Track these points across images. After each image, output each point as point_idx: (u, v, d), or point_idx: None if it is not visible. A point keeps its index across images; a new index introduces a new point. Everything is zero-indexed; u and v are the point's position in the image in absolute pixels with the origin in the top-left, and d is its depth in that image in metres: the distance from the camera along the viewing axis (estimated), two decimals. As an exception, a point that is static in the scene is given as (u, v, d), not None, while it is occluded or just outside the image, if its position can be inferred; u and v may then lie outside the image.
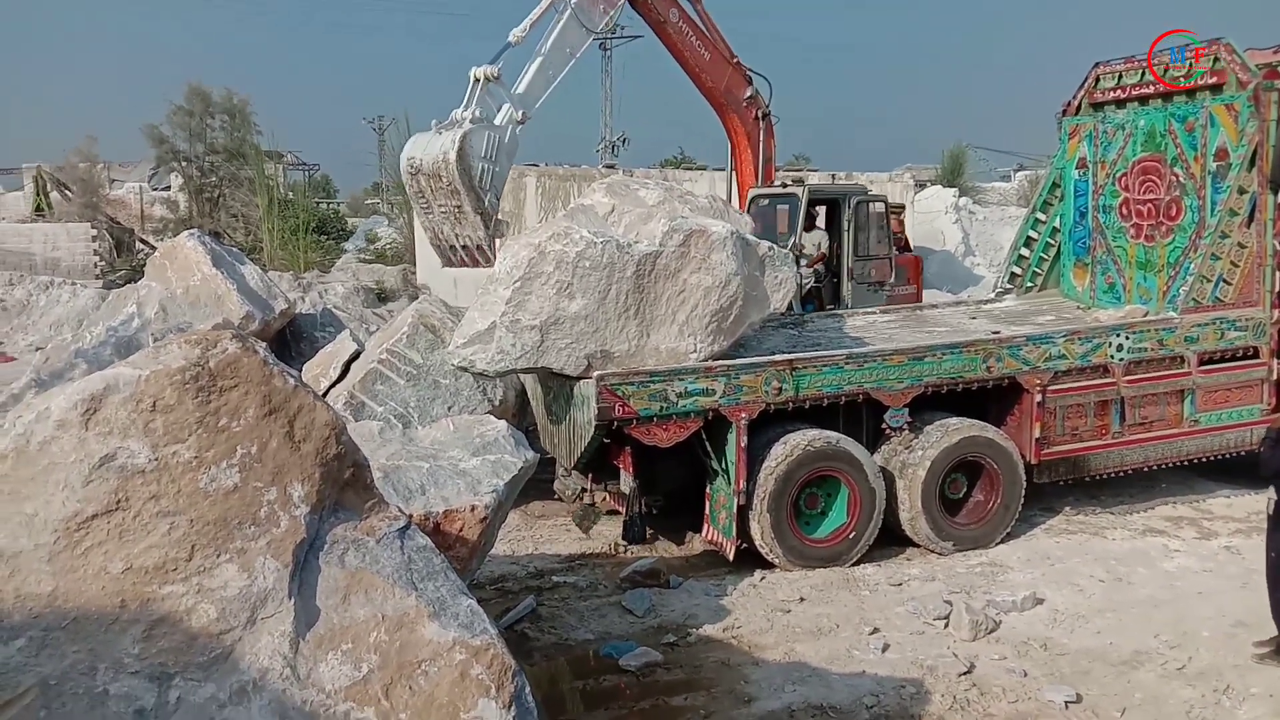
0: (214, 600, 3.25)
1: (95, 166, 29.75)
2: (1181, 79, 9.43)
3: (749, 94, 12.14)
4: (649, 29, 11.62)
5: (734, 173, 13.18)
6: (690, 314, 7.65)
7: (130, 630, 3.15)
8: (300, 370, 9.88)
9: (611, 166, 24.84)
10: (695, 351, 7.71)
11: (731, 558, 7.86)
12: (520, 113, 9.88)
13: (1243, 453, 9.32)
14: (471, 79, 9.83)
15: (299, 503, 3.36)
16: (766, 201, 13.62)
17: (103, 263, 24.56)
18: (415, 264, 22.34)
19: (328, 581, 3.36)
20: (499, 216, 9.77)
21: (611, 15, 10.70)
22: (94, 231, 25.16)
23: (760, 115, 12.33)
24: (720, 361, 7.86)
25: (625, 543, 8.41)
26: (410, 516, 3.81)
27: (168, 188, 32.52)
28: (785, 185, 13.94)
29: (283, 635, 3.24)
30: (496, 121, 9.88)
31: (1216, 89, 9.19)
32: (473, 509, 5.16)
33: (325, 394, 9.14)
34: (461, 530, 5.08)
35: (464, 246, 10.05)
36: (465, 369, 7.64)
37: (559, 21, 10.21)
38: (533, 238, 7.56)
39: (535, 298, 7.32)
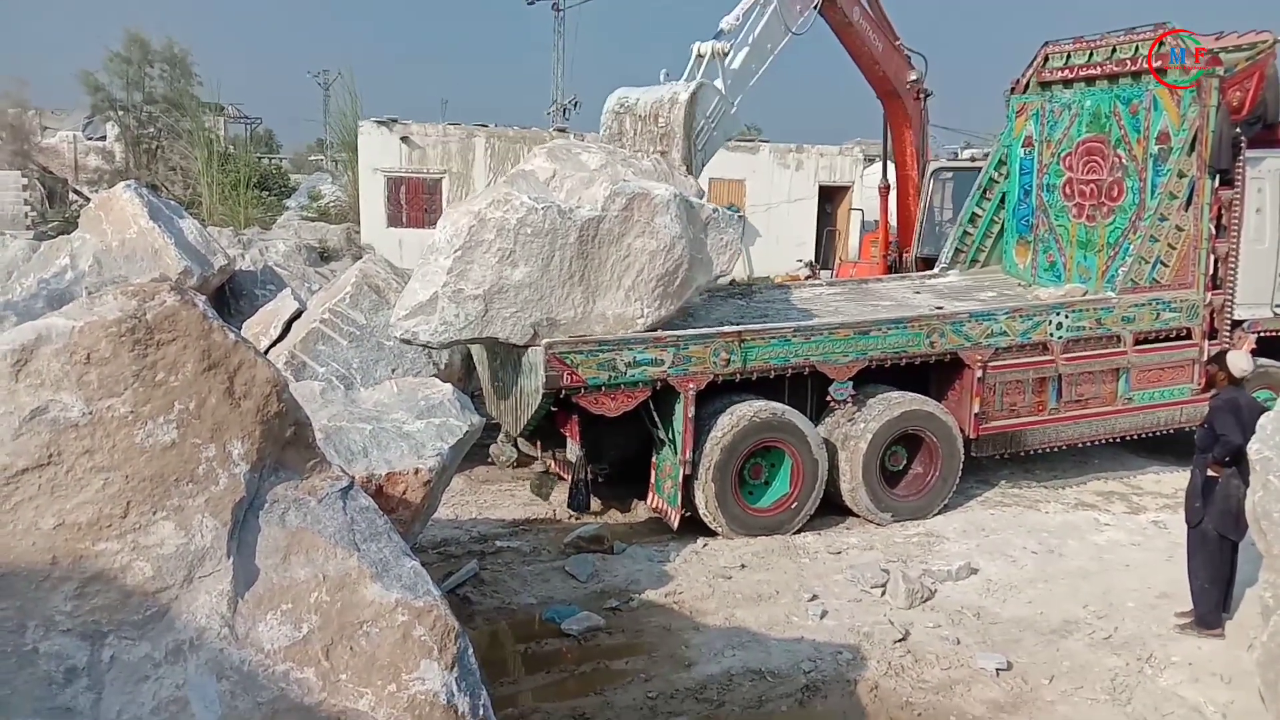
0: (150, 558, 3.18)
1: (26, 113, 28.75)
2: (1128, 61, 9.57)
3: (913, 77, 12.09)
4: (831, 31, 11.50)
5: (890, 157, 13.07)
6: (636, 279, 7.60)
7: (62, 588, 3.07)
8: (240, 328, 9.69)
9: (563, 130, 24.57)
10: (643, 316, 7.68)
11: (676, 526, 7.90)
12: (733, 111, 9.78)
13: (1172, 430, 9.58)
14: (695, 53, 9.62)
15: (238, 460, 3.29)
16: (950, 175, 13.74)
17: (34, 213, 23.79)
18: (359, 223, 21.99)
19: (268, 541, 3.31)
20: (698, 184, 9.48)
21: (808, 16, 10.54)
22: (24, 180, 24.34)
23: (923, 96, 12.27)
24: (669, 332, 7.85)
25: (571, 510, 8.42)
26: (353, 477, 3.76)
27: (103, 137, 31.54)
28: (972, 159, 14.08)
29: (220, 594, 3.18)
30: (721, 89, 9.63)
31: (1161, 72, 9.33)
32: (416, 472, 5.11)
33: (266, 353, 8.98)
34: (405, 493, 5.03)
35: None
36: (408, 341, 7.47)
37: (763, 17, 10.07)
38: (472, 205, 7.40)
39: (477, 266, 7.20)
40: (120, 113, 27.70)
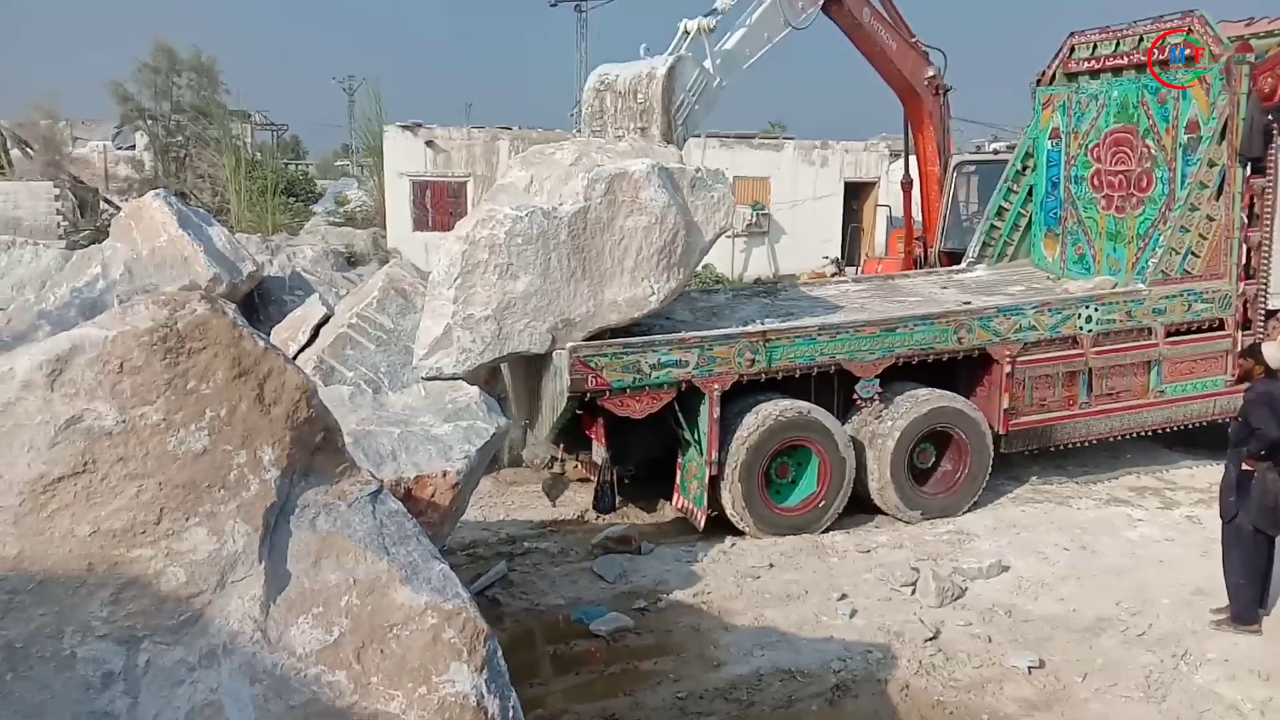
0: (183, 563, 3.22)
1: (57, 124, 29.15)
2: (1155, 50, 9.45)
3: (931, 73, 11.99)
4: (843, 33, 11.45)
5: (913, 154, 13.03)
6: (638, 258, 7.54)
7: (98, 593, 3.12)
8: (269, 334, 9.78)
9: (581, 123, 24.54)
10: (654, 294, 7.62)
11: (702, 527, 7.89)
12: (720, 79, 9.59)
13: (1206, 423, 9.46)
14: (681, 30, 9.51)
15: (269, 466, 3.32)
16: (973, 168, 13.71)
17: (66, 223, 24.09)
18: (385, 227, 22.15)
19: (298, 545, 3.33)
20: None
21: (810, 14, 10.49)
22: (56, 190, 24.64)
23: (942, 91, 12.21)
24: (694, 333, 7.85)
25: (597, 512, 8.44)
26: (382, 481, 3.78)
27: (132, 147, 31.97)
28: (996, 152, 14.00)
29: (253, 599, 3.22)
30: (706, 65, 9.51)
31: (1190, 61, 9.22)
32: (444, 475, 5.13)
33: (295, 358, 9.06)
34: (433, 496, 5.06)
35: None
36: (435, 378, 7.29)
37: (762, 3, 10.01)
38: (460, 230, 7.39)
39: (480, 288, 7.17)
40: (149, 122, 28.07)
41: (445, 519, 5.24)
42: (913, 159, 13.11)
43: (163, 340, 3.23)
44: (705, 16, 9.52)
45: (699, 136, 22.36)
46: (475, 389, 6.25)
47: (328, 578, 3.29)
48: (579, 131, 9.98)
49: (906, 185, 13.60)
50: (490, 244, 7.14)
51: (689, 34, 9.39)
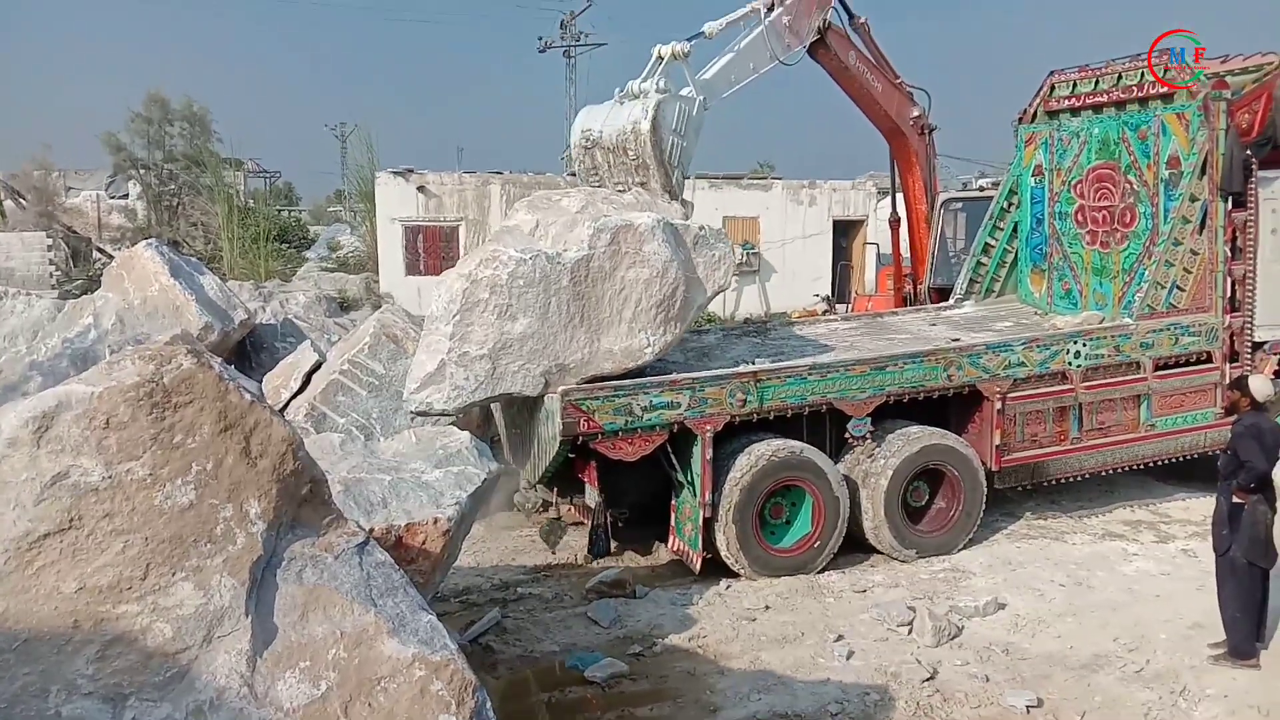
0: (170, 619, 3.21)
1: (51, 174, 29.28)
2: (1134, 88, 9.59)
3: (916, 113, 12.11)
4: (828, 75, 11.61)
5: (900, 191, 13.13)
6: (636, 309, 7.59)
7: (84, 651, 3.10)
8: (260, 381, 9.79)
9: (575, 175, 24.74)
10: (649, 346, 7.66)
11: (698, 569, 7.86)
12: (703, 98, 9.40)
13: (1198, 456, 9.48)
14: (655, 55, 9.30)
15: (256, 519, 3.32)
16: (960, 205, 13.85)
17: (58, 272, 24.14)
18: (378, 273, 22.22)
19: (285, 599, 3.32)
20: (685, 196, 9.15)
21: (797, 51, 10.61)
22: (49, 240, 24.72)
23: (927, 131, 12.32)
24: (685, 375, 7.88)
25: (591, 556, 8.40)
26: (369, 532, 3.78)
27: (125, 196, 32.09)
28: (982, 189, 14.21)
29: (240, 654, 3.20)
30: (684, 94, 9.32)
31: (1168, 98, 9.35)
32: (435, 521, 5.12)
33: (286, 405, 9.06)
34: (424, 543, 5.04)
35: None
36: (424, 413, 7.40)
37: (751, 34, 10.04)
38: (463, 268, 7.43)
39: (478, 327, 7.20)
40: (142, 171, 28.20)
41: (437, 566, 5.22)
42: (899, 197, 13.22)
43: (149, 395, 3.24)
44: (680, 42, 9.41)
45: (688, 178, 22.57)
46: (466, 434, 6.24)
47: (315, 631, 3.28)
48: (573, 175, 9.94)
49: (894, 223, 13.72)
50: (492, 284, 7.18)
51: (663, 59, 9.28)
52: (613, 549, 8.53)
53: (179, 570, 3.23)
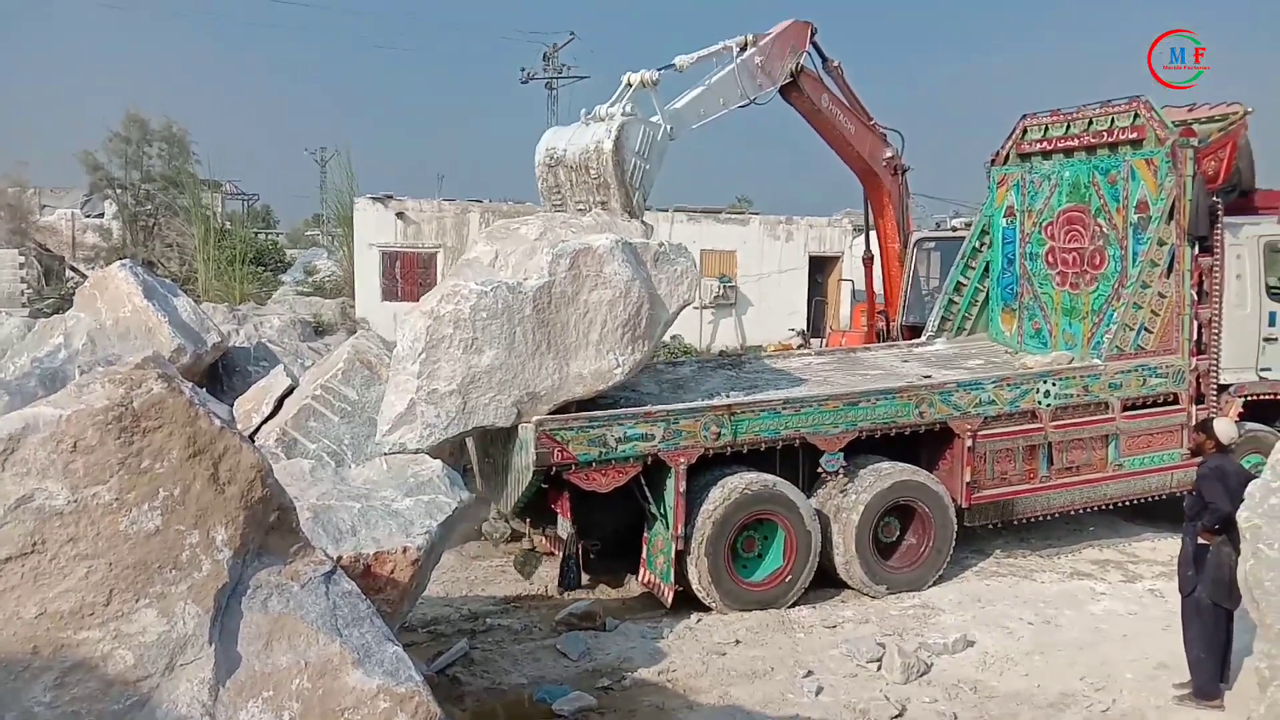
0: (131, 646, 3.17)
1: (26, 191, 29.06)
2: (1104, 133, 9.78)
3: (889, 154, 12.18)
4: (801, 116, 11.68)
5: (874, 229, 13.18)
6: (602, 331, 7.59)
7: (42, 677, 3.06)
8: (232, 405, 9.71)
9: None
10: (619, 366, 7.65)
11: (669, 603, 7.84)
12: (670, 126, 9.43)
13: (1165, 496, 9.57)
14: (624, 82, 9.35)
15: (222, 546, 3.30)
16: (933, 244, 13.98)
17: (30, 290, 23.92)
18: (354, 297, 22.14)
19: (250, 627, 3.30)
20: (645, 220, 9.07)
21: (768, 92, 10.66)
22: (22, 258, 24.53)
23: (900, 171, 12.42)
24: (659, 407, 7.89)
25: (562, 588, 8.36)
26: (337, 560, 3.75)
27: (101, 215, 31.86)
28: (954, 229, 14.32)
29: (202, 682, 3.17)
30: (651, 119, 9.32)
31: (1137, 144, 9.53)
32: (404, 550, 5.09)
33: (257, 429, 8.98)
34: (393, 572, 5.01)
35: None
36: (399, 454, 7.18)
37: (722, 70, 10.07)
38: (424, 305, 7.39)
39: (445, 363, 7.16)
40: (118, 191, 28.04)
41: (405, 596, 5.19)
42: (873, 234, 13.34)
43: (117, 419, 3.23)
44: (650, 71, 9.49)
45: (666, 210, 22.68)
46: (438, 462, 6.22)
47: (279, 660, 3.25)
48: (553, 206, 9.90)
49: (867, 260, 13.84)
50: (455, 319, 7.16)
51: (631, 86, 9.33)
52: (584, 581, 8.49)
53: (143, 597, 3.20)
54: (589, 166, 8.86)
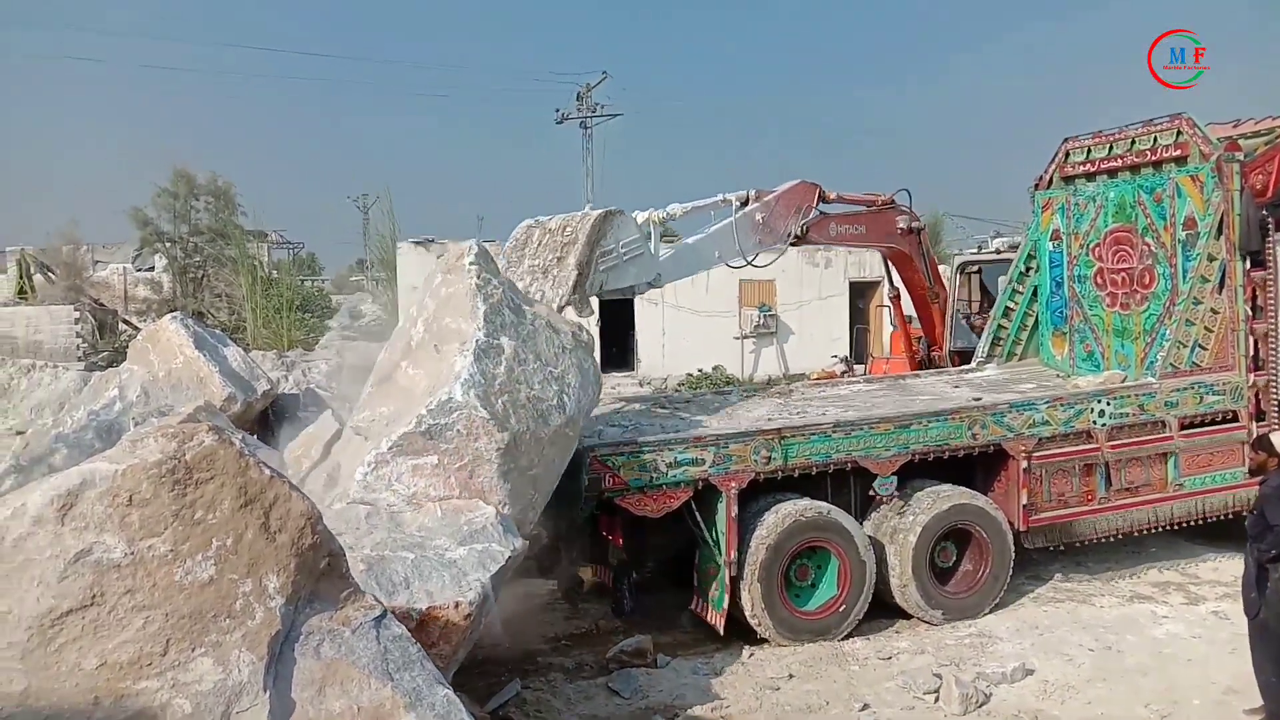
0: (189, 695, 3.21)
1: (79, 249, 29.90)
2: (1148, 152, 9.68)
3: (902, 226, 11.93)
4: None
5: (899, 285, 13.15)
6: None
7: (103, 729, 3.10)
8: (283, 451, 9.83)
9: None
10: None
11: (721, 630, 7.77)
12: (655, 274, 9.11)
13: (1228, 516, 9.34)
14: (636, 219, 9.04)
15: (274, 594, 3.33)
16: (977, 268, 13.91)
17: (85, 345, 24.53)
18: (400, 340, 22.38)
19: (303, 673, 3.32)
20: (589, 302, 8.62)
21: (768, 252, 10.43)
22: (76, 314, 25.17)
23: (915, 231, 12.17)
24: (709, 431, 7.92)
25: (616, 617, 8.34)
26: (385, 606, 3.77)
27: (151, 268, 32.67)
28: (998, 251, 14.34)
29: (258, 730, 3.19)
30: (650, 247, 9.08)
31: (1181, 161, 9.41)
32: (456, 605, 5.00)
33: (307, 475, 9.08)
34: (446, 627, 4.95)
35: None
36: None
37: (718, 223, 9.75)
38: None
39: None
40: (168, 244, 28.73)
41: (458, 649, 5.15)
42: (895, 276, 13.21)
43: (171, 472, 3.29)
44: (657, 210, 9.34)
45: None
46: (491, 509, 6.06)
47: (332, 706, 3.27)
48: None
49: (894, 298, 13.76)
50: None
51: (640, 222, 9.14)
52: (635, 608, 8.45)
53: (199, 646, 3.24)
54: (567, 226, 8.56)
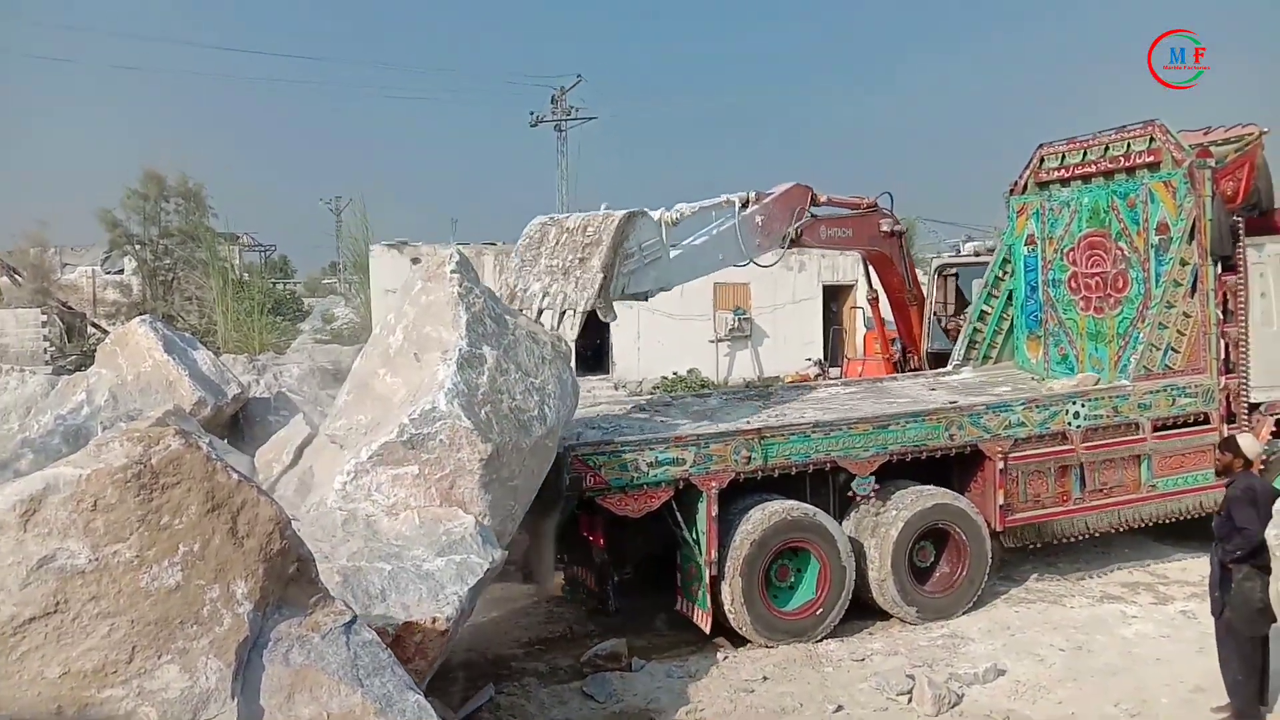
0: (155, 703, 3.15)
1: (46, 251, 29.50)
2: (1121, 158, 9.77)
3: (885, 228, 11.92)
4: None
5: (878, 287, 13.12)
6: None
7: (66, 739, 3.04)
8: (253, 456, 9.73)
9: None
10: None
11: (708, 630, 7.76)
12: (669, 278, 8.95)
13: (1199, 516, 9.43)
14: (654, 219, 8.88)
15: (242, 600, 3.28)
16: (954, 271, 14.03)
17: (53, 348, 24.18)
18: (373, 343, 22.24)
19: (272, 680, 3.28)
20: (613, 306, 8.34)
21: (770, 255, 10.38)
22: (44, 317, 24.82)
23: (897, 235, 12.15)
24: (690, 431, 7.94)
25: (603, 614, 8.31)
26: (355, 612, 3.72)
27: (120, 271, 32.29)
28: (976, 254, 14.40)
29: (225, 739, 3.14)
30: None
31: (1154, 167, 9.51)
32: (434, 621, 4.90)
33: (278, 479, 8.99)
34: (422, 642, 4.87)
35: (549, 310, 8.34)
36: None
37: (721, 225, 9.68)
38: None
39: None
40: (137, 247, 28.40)
41: (432, 664, 5.09)
42: (874, 277, 13.25)
43: (136, 477, 3.23)
44: (669, 210, 9.11)
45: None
46: (471, 518, 5.89)
47: (301, 712, 3.22)
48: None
49: (873, 300, 13.82)
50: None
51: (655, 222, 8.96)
52: (620, 607, 8.42)
53: (165, 653, 3.18)
54: (588, 226, 8.38)
